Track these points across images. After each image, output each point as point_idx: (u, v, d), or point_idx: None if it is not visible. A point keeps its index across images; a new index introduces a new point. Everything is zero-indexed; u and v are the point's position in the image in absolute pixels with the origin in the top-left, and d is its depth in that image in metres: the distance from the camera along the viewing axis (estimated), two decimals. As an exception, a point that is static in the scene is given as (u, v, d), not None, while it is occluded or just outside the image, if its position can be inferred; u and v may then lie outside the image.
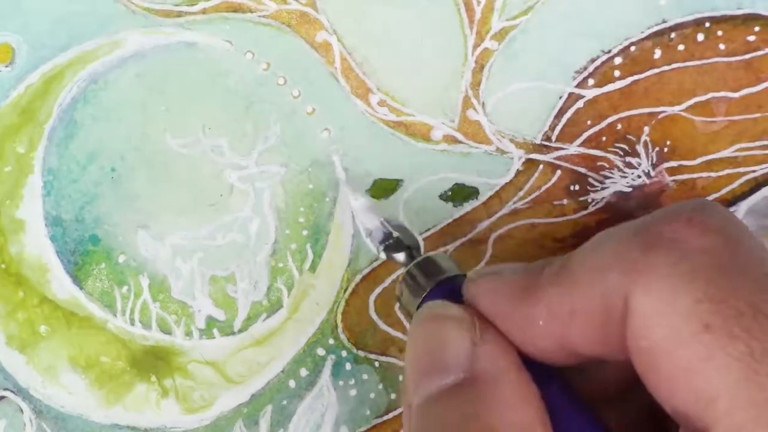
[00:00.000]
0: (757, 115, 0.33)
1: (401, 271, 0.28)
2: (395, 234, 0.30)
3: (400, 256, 0.29)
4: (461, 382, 0.23)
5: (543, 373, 0.24)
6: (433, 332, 0.24)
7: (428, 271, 0.27)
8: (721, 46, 0.33)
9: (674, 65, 0.33)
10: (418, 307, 0.26)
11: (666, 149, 0.33)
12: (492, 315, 0.24)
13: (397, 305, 0.29)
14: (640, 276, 0.21)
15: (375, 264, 0.33)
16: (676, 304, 0.20)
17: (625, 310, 0.21)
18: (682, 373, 0.20)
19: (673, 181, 0.33)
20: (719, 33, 0.33)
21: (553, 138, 0.33)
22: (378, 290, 0.33)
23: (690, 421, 0.20)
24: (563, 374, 0.24)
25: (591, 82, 0.33)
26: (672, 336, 0.20)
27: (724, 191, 0.33)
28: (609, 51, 0.33)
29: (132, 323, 0.33)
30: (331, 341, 0.33)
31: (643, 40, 0.33)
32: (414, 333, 0.25)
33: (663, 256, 0.20)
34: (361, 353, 0.33)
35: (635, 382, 0.22)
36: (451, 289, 0.26)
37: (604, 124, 0.33)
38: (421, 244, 0.31)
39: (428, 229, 0.33)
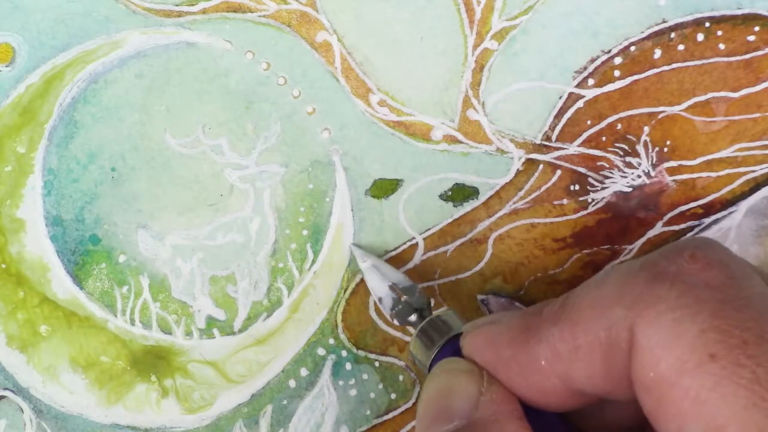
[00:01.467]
0: (757, 114, 0.33)
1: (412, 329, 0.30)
2: (404, 298, 0.30)
3: (412, 318, 0.30)
4: (462, 428, 0.24)
5: (547, 422, 0.24)
6: (443, 382, 0.25)
7: (438, 328, 0.28)
8: (721, 46, 0.33)
9: (674, 65, 0.33)
10: (431, 361, 0.28)
11: (666, 149, 0.33)
12: (492, 364, 0.25)
13: (410, 359, 0.30)
14: (645, 309, 0.21)
15: (375, 264, 0.33)
16: (682, 335, 0.20)
17: (630, 344, 0.21)
18: (690, 404, 0.20)
19: (674, 180, 0.33)
20: (719, 33, 0.33)
21: (553, 138, 0.33)
22: (378, 290, 0.33)
23: None
24: (567, 419, 0.25)
25: (591, 81, 0.33)
26: (678, 366, 0.20)
27: (724, 191, 0.33)
28: (609, 51, 0.33)
29: (132, 323, 0.33)
30: (332, 341, 0.33)
31: (643, 40, 0.33)
32: (427, 384, 0.26)
33: (667, 289, 0.21)
34: (362, 353, 0.33)
35: (639, 422, 0.22)
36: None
37: (604, 124, 0.33)
38: (432, 302, 0.32)
39: (428, 229, 0.33)
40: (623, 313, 0.21)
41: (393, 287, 0.30)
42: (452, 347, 0.27)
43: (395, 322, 0.30)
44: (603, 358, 0.22)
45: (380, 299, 0.30)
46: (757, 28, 0.33)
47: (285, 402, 0.33)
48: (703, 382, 0.19)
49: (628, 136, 0.33)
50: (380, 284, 0.30)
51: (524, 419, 0.23)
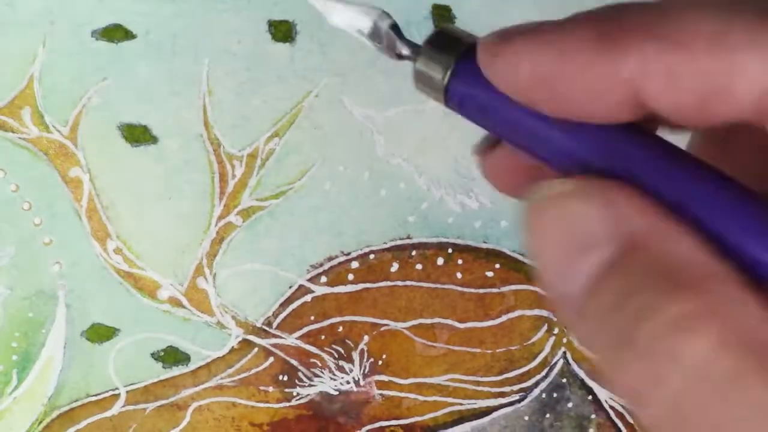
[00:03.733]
0: (477, 350, 0.33)
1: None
2: (384, 23, 0.21)
3: (402, 50, 0.22)
4: (621, 254, 0.21)
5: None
6: (561, 215, 0.21)
7: (447, 43, 0.21)
8: (459, 275, 0.33)
9: (408, 282, 0.33)
10: (447, 86, 0.20)
11: (381, 362, 0.33)
12: (550, 74, 0.19)
13: (422, 89, 0.21)
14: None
15: (75, 404, 0.33)
16: None
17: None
18: None
19: (380, 394, 0.33)
20: (459, 261, 0.33)
21: (274, 325, 0.33)
22: (72, 430, 0.33)
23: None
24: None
25: (324, 279, 0.33)
26: None
27: (427, 416, 0.33)
28: (348, 254, 0.33)
29: None
30: (7, 472, 0.33)
31: (383, 250, 0.33)
32: (537, 220, 0.21)
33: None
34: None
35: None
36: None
37: (326, 322, 0.33)
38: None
39: (133, 383, 0.33)
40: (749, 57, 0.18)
41: (365, 13, 0.22)
42: (471, 67, 0.20)
43: (383, 51, 0.22)
44: (707, 93, 0.18)
45: (358, 31, 0.22)
46: (497, 265, 0.33)
47: None
48: None
49: (347, 341, 0.33)
50: (349, 14, 0.23)
51: (671, 215, 0.20)
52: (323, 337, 0.33)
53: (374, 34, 0.23)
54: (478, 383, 0.33)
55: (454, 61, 0.20)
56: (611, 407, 0.34)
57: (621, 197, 0.22)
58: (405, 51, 0.22)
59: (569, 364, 0.34)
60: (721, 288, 0.20)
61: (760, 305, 0.19)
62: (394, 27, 0.22)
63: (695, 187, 0.20)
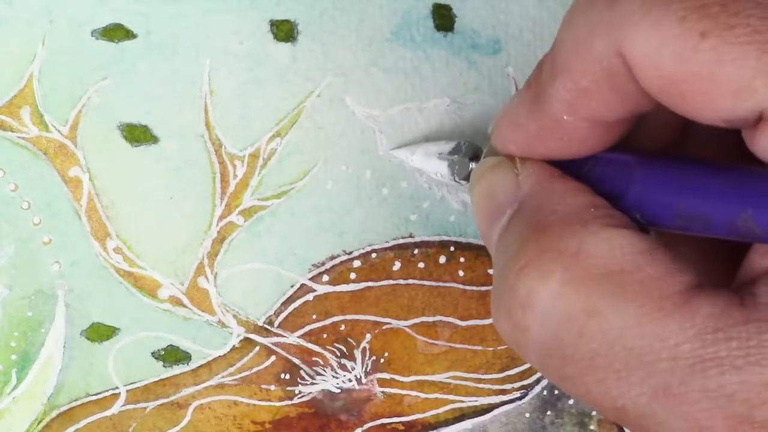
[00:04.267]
0: (478, 347, 0.33)
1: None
2: (455, 158, 0.30)
3: (472, 166, 0.30)
4: (514, 213, 0.24)
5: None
6: (482, 185, 0.26)
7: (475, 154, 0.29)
8: (461, 273, 0.33)
9: (411, 280, 0.33)
10: None
11: (383, 360, 0.33)
12: (527, 145, 0.25)
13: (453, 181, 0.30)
14: (620, 27, 0.20)
15: (74, 403, 0.33)
16: (664, 33, 0.20)
17: (626, 65, 0.21)
18: (708, 83, 0.19)
19: (382, 392, 0.33)
20: (462, 259, 0.33)
21: (276, 323, 0.33)
22: (71, 429, 0.33)
23: (741, 118, 0.20)
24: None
25: (326, 278, 0.33)
26: (677, 59, 0.20)
27: (429, 413, 0.33)
28: (350, 252, 0.33)
29: None
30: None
31: (385, 249, 0.33)
32: (471, 195, 0.26)
33: (627, 3, 0.20)
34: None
35: (678, 126, 0.23)
36: None
37: (328, 321, 0.33)
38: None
39: (133, 382, 0.33)
40: (603, 43, 0.21)
41: (442, 157, 0.30)
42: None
43: (462, 183, 0.30)
44: (612, 88, 0.22)
45: (440, 174, 0.30)
46: (499, 264, 0.33)
47: None
48: (706, 59, 0.19)
49: (348, 339, 0.33)
50: (434, 164, 0.31)
51: (565, 176, 0.24)
52: (325, 335, 0.33)
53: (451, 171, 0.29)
54: (479, 381, 0.33)
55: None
56: (610, 404, 0.34)
57: (525, 168, 0.24)
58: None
59: (569, 362, 0.34)
60: (573, 232, 0.21)
61: (623, 241, 0.21)
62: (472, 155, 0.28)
63: None
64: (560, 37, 0.23)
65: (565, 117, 0.23)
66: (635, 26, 0.20)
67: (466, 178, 0.29)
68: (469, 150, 0.30)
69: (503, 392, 0.33)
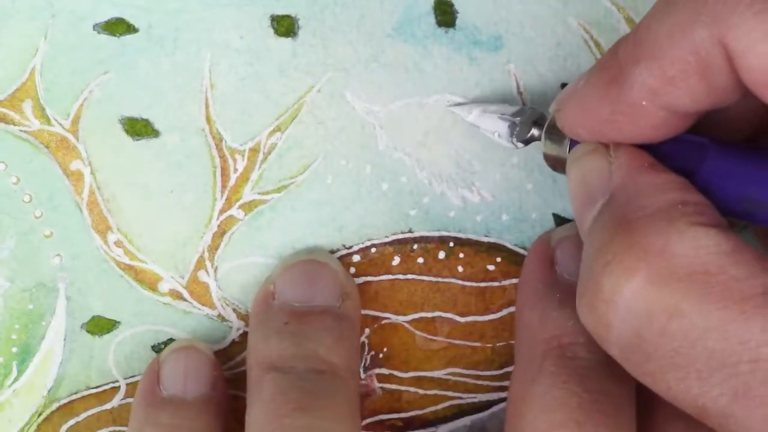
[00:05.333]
0: (477, 344, 0.33)
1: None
2: (517, 120, 0.30)
3: (534, 132, 0.29)
4: (606, 204, 0.24)
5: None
6: (576, 172, 0.26)
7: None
8: (460, 269, 0.33)
9: (410, 276, 0.33)
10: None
11: (382, 355, 0.33)
12: (598, 130, 0.25)
13: (550, 164, 0.29)
14: (728, 17, 0.20)
15: (74, 396, 0.33)
16: None
17: (726, 56, 0.21)
18: None
19: (381, 388, 0.33)
20: (461, 255, 0.33)
21: (275, 318, 0.33)
22: (71, 422, 0.33)
23: None
24: None
25: (325, 272, 0.33)
26: None
27: (427, 410, 0.33)
28: (350, 247, 0.33)
29: None
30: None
31: (385, 244, 0.33)
32: (567, 181, 0.26)
33: None
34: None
35: (755, 123, 0.23)
36: None
37: (327, 316, 0.33)
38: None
39: (133, 375, 0.33)
40: (706, 32, 0.21)
41: (503, 117, 0.30)
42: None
43: (519, 146, 0.30)
44: (701, 79, 0.21)
45: (498, 134, 0.30)
46: (499, 259, 0.33)
47: None
48: None
49: (347, 334, 0.33)
50: (493, 123, 0.30)
51: (656, 166, 0.23)
52: (324, 330, 0.33)
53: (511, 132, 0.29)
54: (478, 377, 0.33)
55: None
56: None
57: (618, 157, 0.24)
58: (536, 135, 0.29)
59: (568, 358, 0.34)
60: (659, 230, 0.21)
61: (717, 240, 0.21)
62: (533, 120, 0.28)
63: None
64: (651, 21, 0.22)
65: (644, 103, 0.23)
66: (742, 16, 0.20)
67: (525, 142, 0.29)
68: (533, 114, 0.30)
69: (502, 389, 0.33)
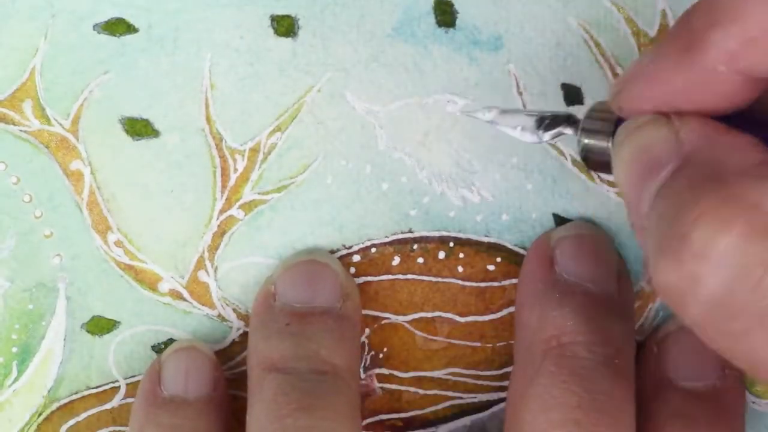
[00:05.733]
0: (477, 344, 0.33)
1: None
2: (545, 115, 0.28)
3: (567, 130, 0.28)
4: (677, 168, 0.22)
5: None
6: (634, 142, 0.24)
7: (599, 116, 0.27)
8: (460, 269, 0.33)
9: (410, 276, 0.33)
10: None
11: (381, 355, 0.33)
12: (667, 100, 0.23)
13: (586, 160, 0.27)
14: None
15: (74, 396, 0.33)
16: None
17: None
18: None
19: (381, 388, 0.33)
20: (461, 255, 0.33)
21: (275, 318, 0.33)
22: (71, 422, 0.33)
23: None
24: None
25: (325, 272, 0.33)
26: None
27: (427, 410, 0.34)
28: (350, 247, 0.33)
29: None
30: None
31: (385, 244, 0.33)
32: (619, 153, 0.24)
33: None
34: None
35: None
36: None
37: (327, 316, 0.33)
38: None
39: (133, 375, 0.33)
40: None
41: (529, 113, 0.28)
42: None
43: (545, 138, 0.28)
44: None
45: (521, 127, 0.28)
46: (499, 259, 0.33)
47: None
48: None
49: (347, 334, 0.33)
50: (517, 118, 0.28)
51: (732, 130, 0.22)
52: (324, 330, 0.33)
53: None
54: (478, 377, 0.33)
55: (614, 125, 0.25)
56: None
57: (686, 124, 0.23)
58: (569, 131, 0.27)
59: (568, 358, 0.34)
60: (753, 185, 0.21)
61: None
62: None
63: None
64: None
65: (721, 68, 0.22)
66: None
67: (554, 136, 0.28)
68: (562, 113, 0.28)
69: (502, 389, 0.33)
